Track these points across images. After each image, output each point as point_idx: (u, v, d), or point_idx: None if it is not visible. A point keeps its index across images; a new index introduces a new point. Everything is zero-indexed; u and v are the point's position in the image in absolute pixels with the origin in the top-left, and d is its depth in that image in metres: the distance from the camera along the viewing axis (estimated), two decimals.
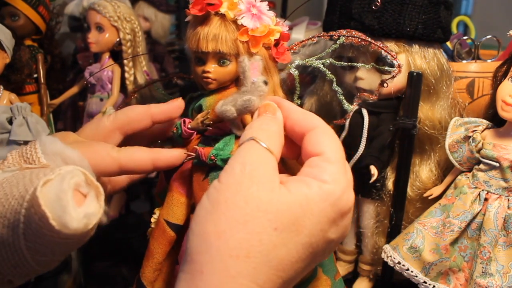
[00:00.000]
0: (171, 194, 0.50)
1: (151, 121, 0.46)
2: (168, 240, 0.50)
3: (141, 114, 0.46)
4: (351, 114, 0.63)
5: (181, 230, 0.50)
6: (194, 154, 0.46)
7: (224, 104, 0.44)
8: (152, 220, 0.52)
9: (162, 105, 0.46)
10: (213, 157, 0.44)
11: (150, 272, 0.50)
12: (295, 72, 0.52)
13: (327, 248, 0.34)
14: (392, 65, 0.55)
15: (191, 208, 0.50)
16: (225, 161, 0.44)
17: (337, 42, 0.53)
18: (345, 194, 0.34)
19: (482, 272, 0.54)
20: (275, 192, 0.31)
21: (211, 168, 0.46)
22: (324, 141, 0.36)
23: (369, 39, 0.53)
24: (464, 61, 0.75)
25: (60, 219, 0.29)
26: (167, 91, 0.66)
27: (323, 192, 0.33)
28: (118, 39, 0.83)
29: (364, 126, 0.62)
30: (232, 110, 0.43)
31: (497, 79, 0.58)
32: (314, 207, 0.32)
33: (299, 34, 0.96)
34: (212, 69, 0.45)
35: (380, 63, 0.57)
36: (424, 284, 0.57)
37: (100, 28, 0.82)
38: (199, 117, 0.46)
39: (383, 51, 0.54)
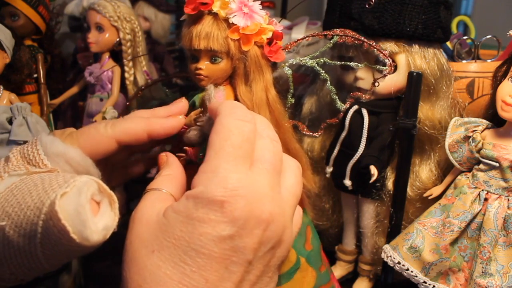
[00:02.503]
0: None
1: (148, 137, 0.44)
2: None
3: (139, 131, 0.44)
4: (350, 114, 0.63)
5: None
6: (184, 155, 0.48)
7: (191, 130, 0.47)
8: None
9: (163, 121, 0.45)
10: (202, 156, 0.46)
11: None
12: (288, 71, 0.53)
13: (232, 247, 0.32)
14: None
15: None
16: None
17: (331, 41, 0.54)
18: (210, 186, 0.32)
19: (482, 272, 0.54)
20: (150, 223, 0.34)
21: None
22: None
23: (362, 38, 0.54)
24: (464, 61, 0.75)
25: (81, 233, 0.30)
26: (168, 91, 0.66)
27: (187, 200, 0.33)
28: (118, 39, 0.83)
29: (364, 126, 0.62)
30: (199, 134, 0.47)
31: (497, 79, 0.58)
32: (180, 217, 0.33)
33: (299, 34, 0.96)
34: (204, 66, 0.47)
35: (380, 63, 0.57)
36: (424, 284, 0.57)
37: (100, 28, 0.82)
38: (192, 114, 0.47)
39: (375, 50, 0.55)
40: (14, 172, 0.36)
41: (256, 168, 0.35)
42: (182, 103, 0.47)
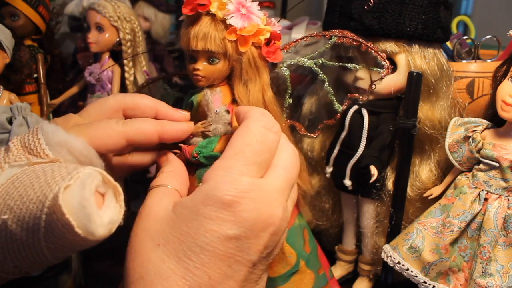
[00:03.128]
0: None
1: (158, 139, 0.44)
2: None
3: (148, 107, 0.45)
4: (350, 114, 0.63)
5: None
6: (179, 152, 0.48)
7: (195, 136, 0.47)
8: None
9: (170, 109, 0.46)
10: (196, 155, 0.46)
11: None
12: (286, 72, 0.53)
13: (237, 246, 0.32)
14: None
15: None
16: (207, 158, 0.47)
17: (329, 42, 0.54)
18: (221, 184, 0.32)
19: (482, 272, 0.54)
20: (157, 217, 0.34)
21: (199, 165, 0.48)
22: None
23: (360, 39, 0.54)
24: (464, 61, 0.75)
25: (86, 227, 0.29)
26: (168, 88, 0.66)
27: (195, 195, 0.33)
28: (118, 39, 0.82)
29: (364, 126, 0.62)
30: (200, 141, 0.47)
31: (497, 79, 0.58)
32: (187, 212, 0.33)
33: (299, 34, 0.96)
34: (202, 67, 0.47)
35: (378, 64, 0.57)
36: (424, 284, 0.57)
37: (100, 28, 0.82)
38: (200, 126, 0.48)
39: (373, 51, 0.55)
40: (15, 162, 0.34)
41: (274, 172, 0.35)
42: (186, 116, 0.47)
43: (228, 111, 0.47)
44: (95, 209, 0.29)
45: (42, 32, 0.88)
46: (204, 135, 0.47)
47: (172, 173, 0.41)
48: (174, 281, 0.31)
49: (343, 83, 0.65)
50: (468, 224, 0.56)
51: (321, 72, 0.55)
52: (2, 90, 0.72)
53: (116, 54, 0.85)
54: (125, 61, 0.83)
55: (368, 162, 0.60)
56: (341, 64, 0.57)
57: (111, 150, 0.41)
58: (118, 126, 0.40)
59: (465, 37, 0.81)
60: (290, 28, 0.98)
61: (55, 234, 0.30)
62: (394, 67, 0.61)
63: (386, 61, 0.56)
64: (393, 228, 0.62)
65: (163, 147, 0.51)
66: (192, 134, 0.48)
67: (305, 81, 0.72)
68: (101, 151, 0.39)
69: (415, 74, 0.57)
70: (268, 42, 0.48)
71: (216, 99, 0.47)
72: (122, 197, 0.32)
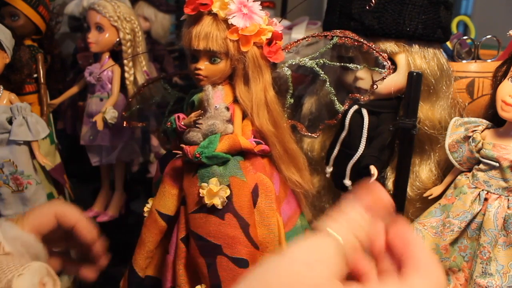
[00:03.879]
0: (163, 185, 0.52)
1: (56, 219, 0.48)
2: (159, 229, 0.52)
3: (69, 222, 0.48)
4: (350, 114, 0.63)
5: (172, 221, 0.52)
6: (181, 153, 0.48)
7: (191, 131, 0.47)
8: (145, 209, 0.54)
9: (88, 227, 0.48)
10: (198, 155, 0.47)
11: (142, 259, 0.53)
12: (287, 72, 0.53)
13: None
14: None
15: (182, 200, 0.51)
16: (209, 158, 0.47)
17: (331, 42, 0.54)
18: None
19: (482, 272, 0.54)
20: None
21: (200, 165, 0.48)
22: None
23: (362, 40, 0.54)
24: (464, 61, 0.75)
25: None
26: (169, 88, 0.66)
27: None
28: (118, 39, 0.83)
29: (364, 126, 0.62)
30: (198, 135, 0.47)
31: (497, 79, 0.58)
32: None
33: (299, 34, 0.96)
34: (204, 67, 0.47)
35: (379, 64, 0.57)
36: None
37: (100, 28, 0.82)
38: (193, 116, 0.48)
39: (375, 52, 0.55)
40: None
41: None
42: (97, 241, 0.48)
43: (228, 108, 0.47)
44: None
45: (42, 32, 0.88)
46: (197, 127, 0.47)
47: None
48: None
49: (343, 83, 0.65)
50: (468, 224, 0.56)
51: (323, 73, 0.55)
52: (2, 90, 0.72)
53: (116, 54, 0.85)
54: (125, 61, 0.83)
55: (368, 162, 0.60)
56: (342, 64, 0.57)
57: (50, 228, 0.46)
58: (46, 208, 0.47)
59: (465, 37, 0.81)
60: (290, 28, 0.98)
61: None
62: (394, 67, 0.61)
63: (388, 61, 0.56)
64: None
65: (161, 144, 0.51)
66: (186, 126, 0.48)
67: (306, 81, 0.72)
68: (44, 232, 0.45)
69: (415, 74, 0.57)
70: (269, 42, 0.48)
71: (217, 96, 0.47)
72: (58, 284, 0.39)
